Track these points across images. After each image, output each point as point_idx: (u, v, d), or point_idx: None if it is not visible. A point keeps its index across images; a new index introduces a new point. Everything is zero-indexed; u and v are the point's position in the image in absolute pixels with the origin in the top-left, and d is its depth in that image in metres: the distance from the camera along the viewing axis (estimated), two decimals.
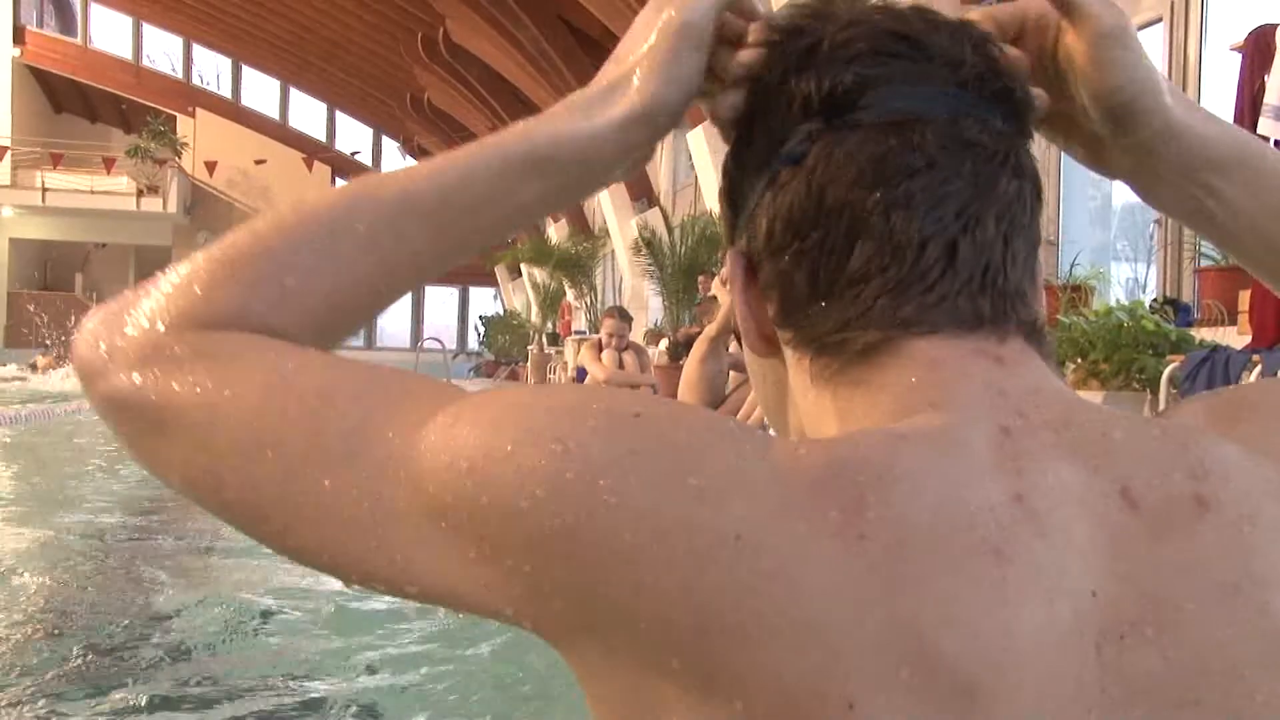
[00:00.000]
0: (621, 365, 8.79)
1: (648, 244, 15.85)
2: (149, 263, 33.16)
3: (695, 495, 0.54)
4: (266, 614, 2.27)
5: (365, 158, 34.08)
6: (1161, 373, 6.64)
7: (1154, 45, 8.68)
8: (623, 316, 9.38)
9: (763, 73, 0.70)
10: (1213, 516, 0.59)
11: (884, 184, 0.65)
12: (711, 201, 16.03)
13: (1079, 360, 7.41)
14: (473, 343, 32.79)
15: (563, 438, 0.55)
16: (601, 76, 0.73)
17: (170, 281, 0.65)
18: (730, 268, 0.73)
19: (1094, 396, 7.12)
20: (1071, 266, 8.99)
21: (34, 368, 22.58)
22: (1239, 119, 6.66)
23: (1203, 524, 0.58)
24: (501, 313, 31.52)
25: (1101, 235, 10.00)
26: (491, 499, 0.55)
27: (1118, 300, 8.40)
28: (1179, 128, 0.72)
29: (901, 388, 0.63)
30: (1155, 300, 7.87)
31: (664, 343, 13.59)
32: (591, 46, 20.90)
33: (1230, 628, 0.56)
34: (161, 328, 0.63)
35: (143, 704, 1.67)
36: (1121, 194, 10.01)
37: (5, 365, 21.59)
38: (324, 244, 0.66)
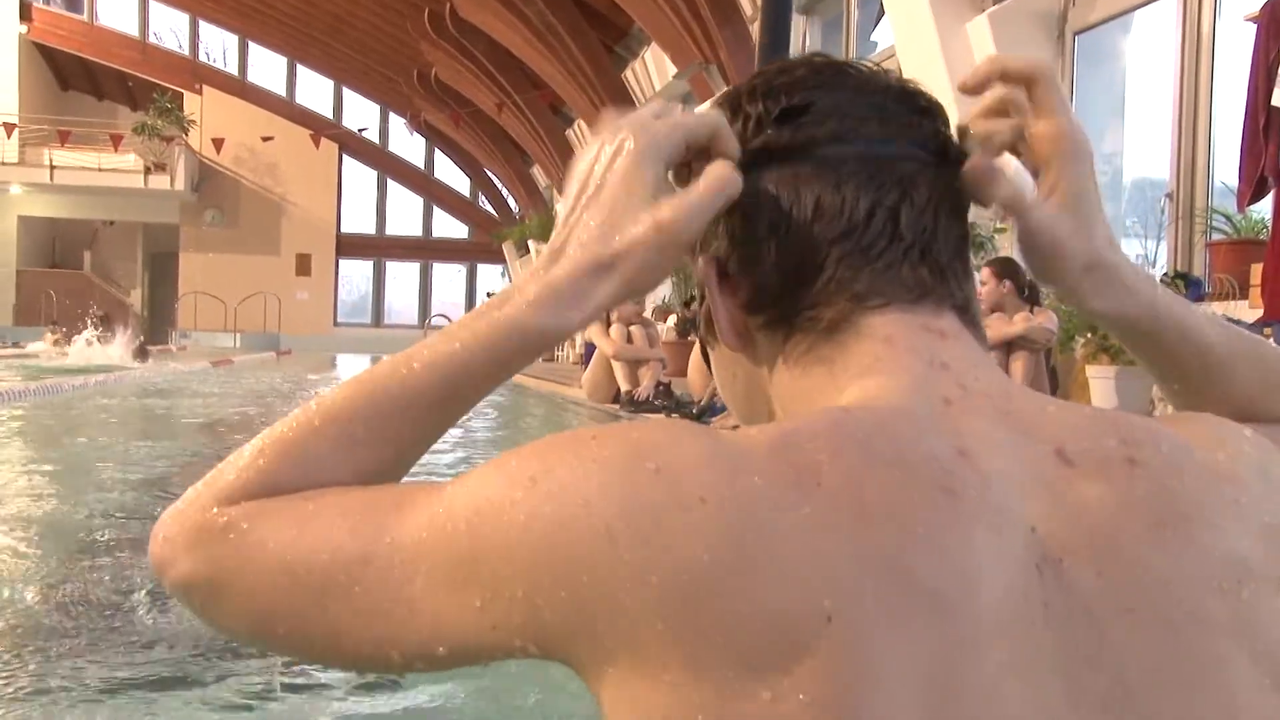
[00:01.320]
0: (630, 340, 8.77)
1: None
2: (157, 240, 33.24)
3: (653, 475, 0.61)
4: None
5: (372, 134, 34.01)
6: None
7: (1168, 17, 8.61)
8: None
9: (719, 106, 0.84)
10: (1142, 471, 0.68)
11: (832, 167, 0.76)
12: None
13: (1089, 335, 7.39)
14: None
15: (533, 473, 0.64)
16: (573, 244, 0.78)
17: (211, 476, 0.75)
18: (703, 271, 0.81)
19: (1105, 371, 7.10)
20: None
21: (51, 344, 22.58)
22: (1253, 91, 6.60)
23: (1132, 478, 0.67)
24: None
25: (1112, 209, 9.94)
26: (482, 544, 0.64)
27: None
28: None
29: (860, 366, 0.74)
30: (1166, 274, 7.83)
31: (672, 318, 13.57)
32: (598, 20, 20.80)
33: (1159, 553, 0.65)
34: (205, 509, 0.73)
35: (157, 675, 1.67)
36: (1132, 169, 9.95)
37: (30, 343, 21.52)
38: (341, 441, 0.75)
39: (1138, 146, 9.77)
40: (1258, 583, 0.66)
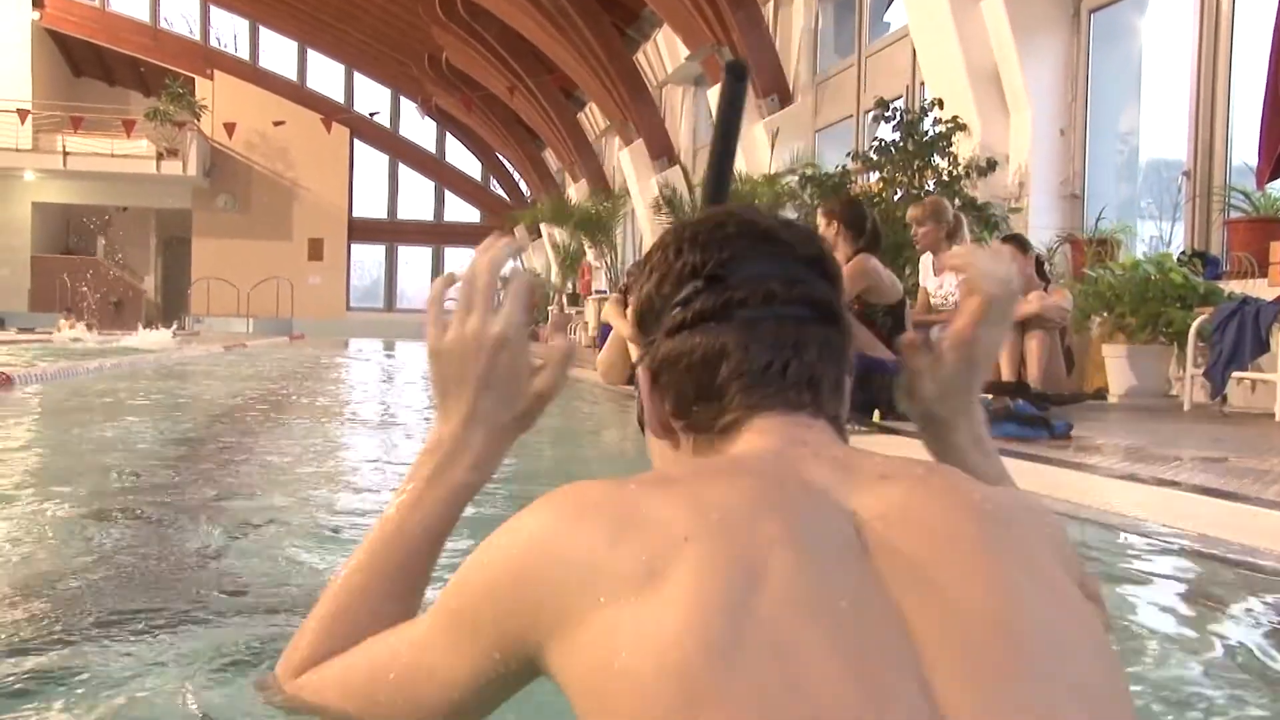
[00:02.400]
0: None
1: (669, 202, 15.76)
2: (169, 225, 33.32)
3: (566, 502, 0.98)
4: (307, 558, 2.29)
5: (384, 118, 33.99)
6: (1189, 325, 6.59)
7: None
8: None
9: (656, 252, 1.16)
10: (937, 479, 1.03)
11: (743, 327, 1.08)
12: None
13: (1105, 314, 7.36)
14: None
15: (491, 544, 1.00)
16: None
17: (286, 654, 1.21)
18: (640, 376, 1.15)
19: (1119, 350, 7.07)
20: (1097, 220, 8.91)
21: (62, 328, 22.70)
22: (1274, 67, 6.55)
23: (928, 484, 1.01)
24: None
25: (1128, 189, 9.90)
26: (468, 596, 1.00)
27: (1144, 254, 8.32)
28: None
29: (740, 443, 1.07)
30: (1183, 253, 7.79)
31: None
32: (609, 3, 20.73)
33: (950, 521, 0.96)
34: (287, 680, 1.18)
35: (183, 647, 1.68)
36: (1149, 148, 9.89)
37: (63, 329, 21.75)
38: (351, 616, 1.19)
39: (1153, 126, 9.71)
40: (991, 518, 0.98)
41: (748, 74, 1.58)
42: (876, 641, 0.87)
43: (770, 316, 1.08)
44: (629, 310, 1.18)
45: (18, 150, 29.40)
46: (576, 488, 0.98)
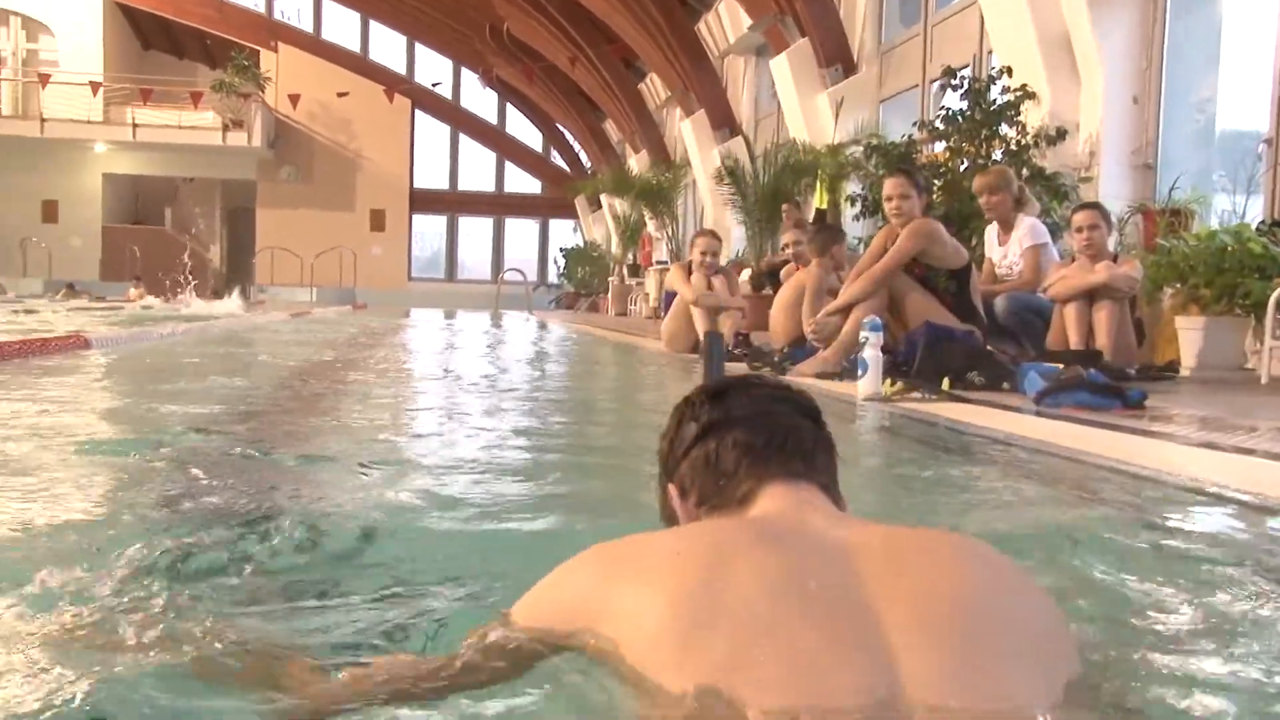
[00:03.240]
0: (710, 288, 8.75)
1: (730, 173, 15.70)
2: (235, 196, 33.78)
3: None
4: (367, 526, 2.33)
5: (445, 89, 34.13)
6: (1269, 296, 6.45)
7: None
8: (716, 238, 9.34)
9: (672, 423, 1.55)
10: (919, 530, 1.41)
11: (745, 423, 1.45)
12: (796, 129, 15.80)
13: (1178, 285, 7.21)
14: (553, 275, 32.91)
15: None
16: None
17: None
18: (671, 493, 1.50)
19: (1195, 322, 6.94)
20: (1171, 190, 8.72)
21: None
22: None
23: (910, 529, 1.38)
24: (581, 244, 31.55)
25: (1203, 159, 9.67)
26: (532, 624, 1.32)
27: (1219, 225, 8.13)
28: None
29: (756, 510, 1.39)
30: (1263, 222, 7.61)
31: (746, 273, 13.50)
32: None
33: (923, 541, 1.31)
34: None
35: (244, 605, 1.72)
36: (1226, 116, 9.65)
37: (145, 298, 22.34)
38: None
39: (1232, 93, 9.46)
40: (963, 545, 1.33)
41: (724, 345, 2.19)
42: (844, 609, 1.11)
43: (765, 415, 1.45)
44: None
45: (89, 123, 29.95)
46: (600, 549, 1.33)
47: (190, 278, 21.10)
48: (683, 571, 1.18)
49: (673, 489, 1.49)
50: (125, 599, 1.67)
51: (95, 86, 28.92)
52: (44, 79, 28.96)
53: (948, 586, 1.17)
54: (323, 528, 2.28)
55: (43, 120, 29.75)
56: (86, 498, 2.70)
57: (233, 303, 19.89)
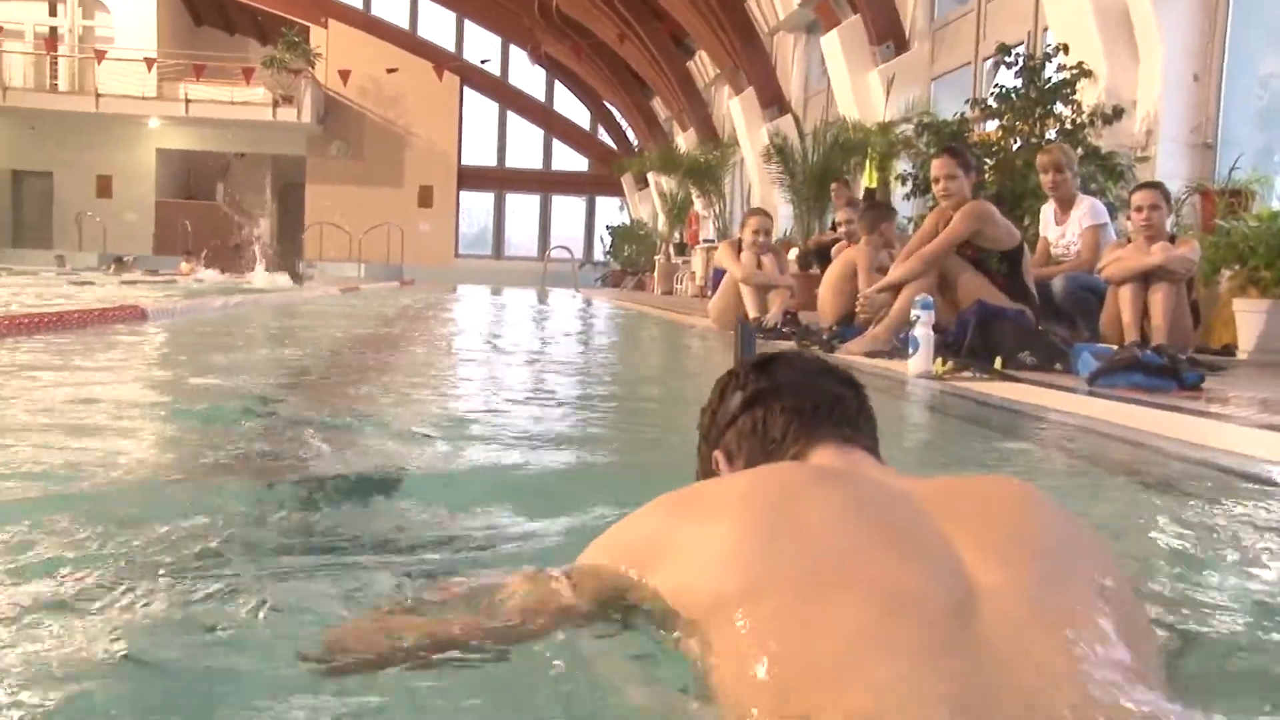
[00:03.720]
0: (760, 267, 8.72)
1: (779, 151, 15.60)
2: (285, 171, 34.08)
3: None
4: (411, 484, 2.36)
5: (494, 66, 34.18)
6: None
7: None
8: (767, 217, 9.33)
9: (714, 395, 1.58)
10: (979, 477, 1.71)
11: (791, 391, 1.49)
12: (846, 107, 15.67)
13: (1237, 267, 7.10)
14: (599, 253, 32.94)
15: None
16: None
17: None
18: (716, 458, 1.52)
19: (1255, 305, 6.83)
20: (1231, 170, 8.57)
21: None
22: None
23: (965, 478, 1.57)
24: (628, 222, 31.53)
25: (1265, 137, 9.47)
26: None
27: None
28: None
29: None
30: None
31: (794, 252, 13.44)
32: None
33: (985, 488, 1.35)
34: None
35: (294, 563, 1.76)
36: None
37: (197, 272, 22.81)
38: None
39: None
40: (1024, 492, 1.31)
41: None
42: (914, 532, 1.14)
43: (810, 383, 1.49)
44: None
45: (143, 98, 30.33)
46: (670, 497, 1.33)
47: (257, 253, 21.63)
48: (751, 505, 1.19)
49: (719, 454, 1.51)
50: (180, 558, 1.71)
51: (149, 62, 29.26)
52: (100, 55, 29.34)
53: (1010, 515, 1.21)
54: (378, 487, 2.31)
55: (98, 96, 30.17)
56: (155, 457, 2.75)
57: (279, 278, 20.37)
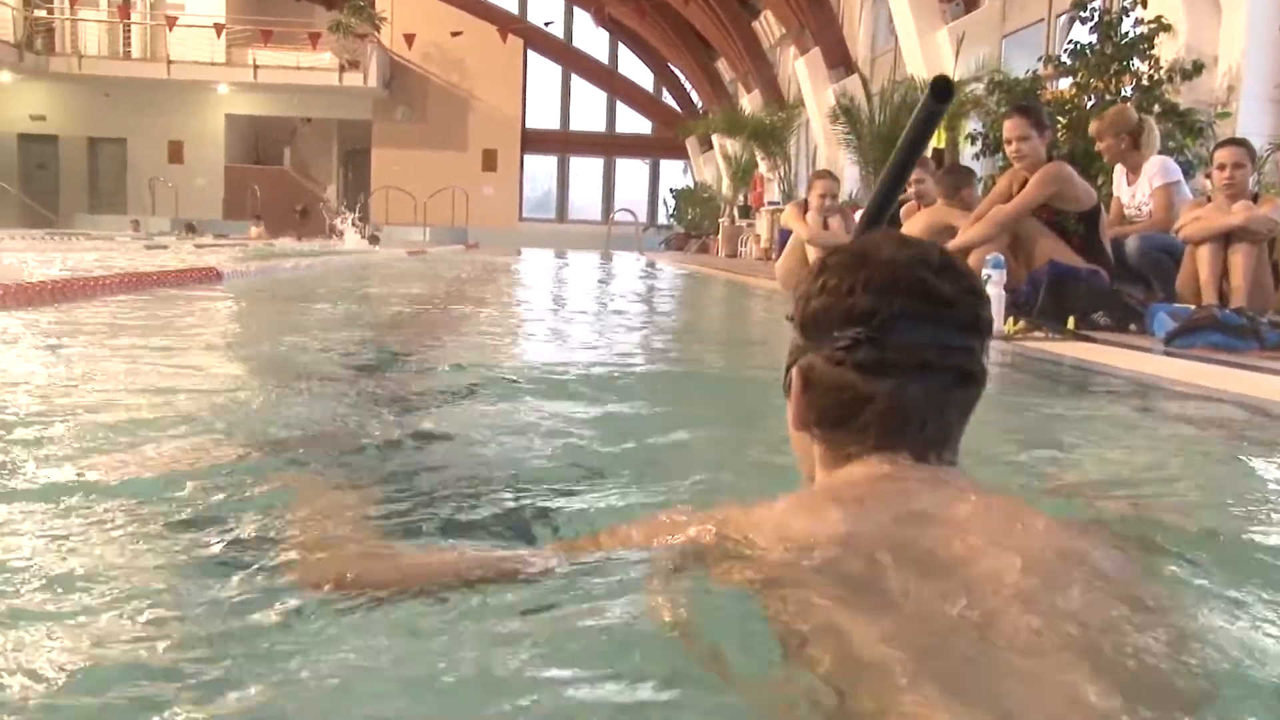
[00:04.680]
0: (826, 228, 8.66)
1: (845, 112, 15.42)
2: (350, 136, 34.35)
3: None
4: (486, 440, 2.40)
5: (558, 29, 34.09)
6: None
7: None
8: (834, 179, 9.26)
9: (832, 277, 1.32)
10: (1001, 501, 1.24)
11: (896, 383, 1.27)
12: (914, 66, 15.43)
13: None
14: (662, 216, 32.85)
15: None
16: None
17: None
18: (794, 375, 1.36)
19: None
20: None
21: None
22: None
23: (994, 503, 1.23)
24: (692, 185, 31.39)
25: None
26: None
27: None
28: None
29: (859, 469, 1.30)
30: None
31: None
32: None
33: (1001, 511, 1.20)
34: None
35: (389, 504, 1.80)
36: None
37: (251, 236, 23.52)
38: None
39: None
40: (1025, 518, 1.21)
41: (952, 97, 1.54)
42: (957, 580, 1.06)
43: (919, 382, 1.27)
44: (797, 309, 1.35)
45: (213, 64, 30.71)
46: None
47: (349, 216, 22.69)
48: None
49: (798, 376, 1.35)
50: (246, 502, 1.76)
51: (219, 29, 29.59)
52: (170, 21, 29.72)
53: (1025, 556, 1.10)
54: (447, 434, 2.36)
55: (169, 63, 30.59)
56: (240, 405, 2.83)
57: (355, 242, 21.22)
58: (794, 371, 1.35)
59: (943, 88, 1.53)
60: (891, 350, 1.27)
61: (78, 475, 1.93)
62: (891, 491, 1.23)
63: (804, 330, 1.35)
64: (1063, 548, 1.15)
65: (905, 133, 1.59)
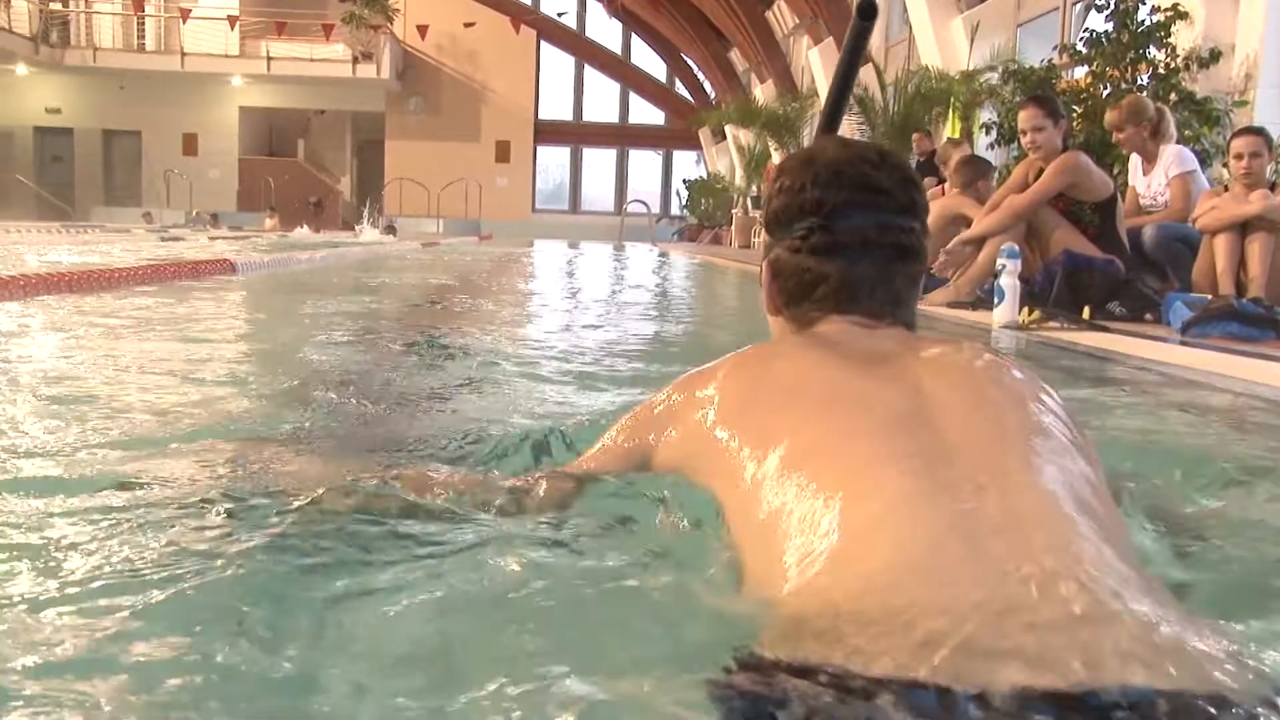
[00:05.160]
0: None
1: (859, 102, 15.37)
2: (364, 128, 34.40)
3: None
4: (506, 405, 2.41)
5: (570, 19, 34.05)
6: None
7: None
8: None
9: (786, 178, 1.54)
10: (969, 349, 1.44)
11: (846, 261, 1.48)
12: (928, 56, 15.38)
13: None
14: (675, 208, 32.82)
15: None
16: None
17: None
18: (765, 269, 1.58)
19: None
20: None
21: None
22: None
23: (962, 350, 1.43)
24: (705, 176, 31.35)
25: None
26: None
27: None
28: None
29: (822, 327, 1.50)
30: None
31: None
32: None
33: (956, 365, 1.38)
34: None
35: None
36: None
37: (265, 227, 23.75)
38: None
39: None
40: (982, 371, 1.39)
41: (875, 15, 1.82)
42: (897, 405, 1.25)
43: (867, 258, 1.48)
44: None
45: (227, 57, 30.79)
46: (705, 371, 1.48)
47: (372, 211, 23.23)
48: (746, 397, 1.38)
49: (767, 269, 1.57)
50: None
51: (232, 20, 29.66)
52: (184, 13, 29.79)
53: (986, 404, 1.30)
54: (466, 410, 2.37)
55: (183, 55, 30.67)
56: (262, 383, 2.85)
57: (373, 233, 21.53)
58: (764, 264, 1.58)
59: (868, 7, 1.81)
60: (840, 234, 1.49)
61: (100, 458, 1.95)
62: (841, 330, 1.47)
63: (768, 228, 1.59)
64: (998, 379, 1.37)
65: (842, 53, 1.88)
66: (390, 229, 23.48)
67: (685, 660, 1.03)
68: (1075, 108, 9.13)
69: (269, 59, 31.12)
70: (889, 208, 1.49)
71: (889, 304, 1.49)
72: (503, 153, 34.11)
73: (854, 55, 1.87)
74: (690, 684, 0.96)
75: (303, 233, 22.58)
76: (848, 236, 1.48)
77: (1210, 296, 5.30)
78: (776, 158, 22.46)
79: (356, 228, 23.54)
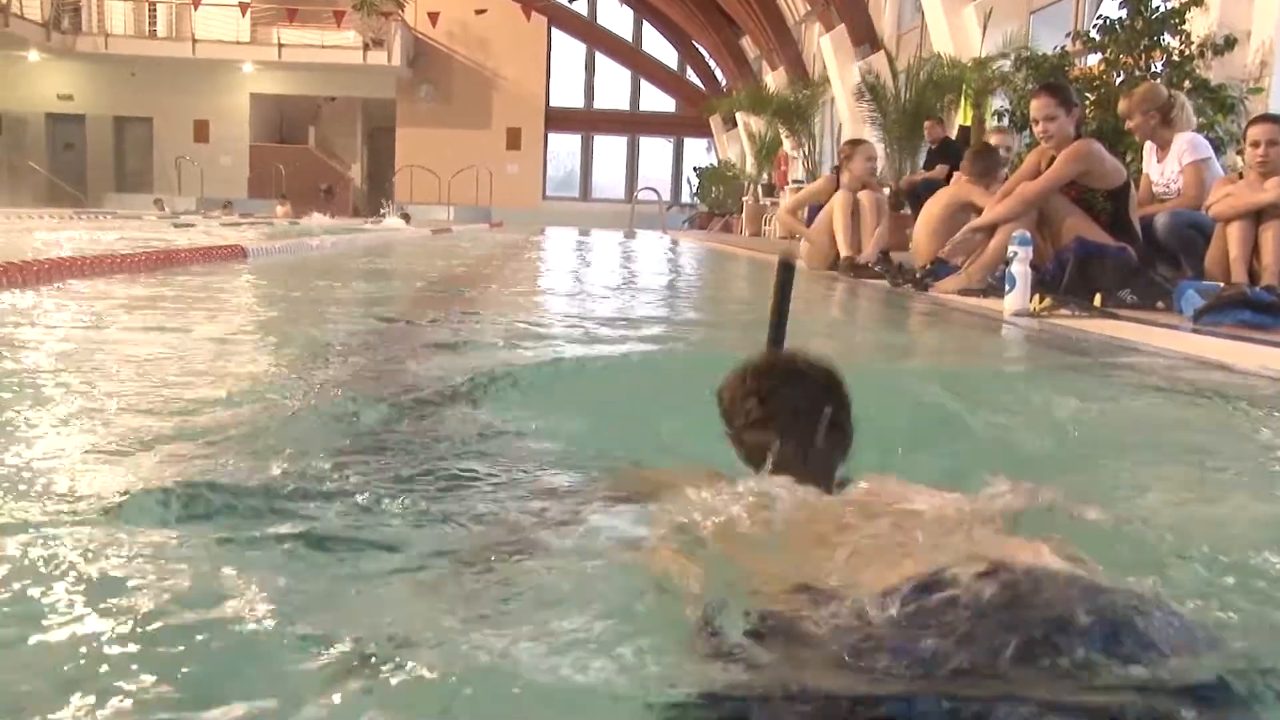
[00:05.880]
0: (857, 204, 8.68)
1: (871, 90, 15.32)
2: (375, 115, 34.41)
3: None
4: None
5: (582, 6, 33.98)
6: None
7: None
8: (873, 145, 9.37)
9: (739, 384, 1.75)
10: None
11: (782, 429, 1.65)
12: (940, 43, 15.32)
13: None
14: (686, 195, 32.77)
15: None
16: None
17: None
18: (732, 441, 1.73)
19: None
20: None
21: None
22: None
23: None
24: (715, 164, 31.29)
25: None
26: None
27: None
28: None
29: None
30: None
31: (885, 190, 13.24)
32: None
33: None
34: None
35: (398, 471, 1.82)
36: None
37: (278, 214, 23.98)
38: None
39: None
40: None
41: (794, 270, 1.99)
42: None
43: (796, 424, 1.67)
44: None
45: (238, 43, 30.82)
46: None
47: (393, 201, 23.82)
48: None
49: (736, 444, 1.74)
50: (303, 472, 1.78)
51: (244, 7, 29.65)
52: (195, 1, 29.81)
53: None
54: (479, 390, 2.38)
55: (194, 41, 30.71)
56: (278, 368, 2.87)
57: (391, 221, 21.89)
58: (731, 440, 1.76)
59: (786, 265, 1.97)
60: (772, 411, 1.70)
61: (115, 442, 1.96)
62: None
63: (727, 418, 1.78)
64: None
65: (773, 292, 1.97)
66: (405, 215, 23.87)
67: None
68: (1088, 95, 9.09)
69: (280, 46, 31.14)
70: (814, 388, 1.72)
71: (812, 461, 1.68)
72: (514, 140, 34.09)
73: (782, 297, 2.00)
74: None
75: (319, 219, 22.72)
76: (782, 413, 1.70)
77: (1223, 284, 5.28)
78: (788, 145, 22.42)
79: (382, 210, 24.34)
